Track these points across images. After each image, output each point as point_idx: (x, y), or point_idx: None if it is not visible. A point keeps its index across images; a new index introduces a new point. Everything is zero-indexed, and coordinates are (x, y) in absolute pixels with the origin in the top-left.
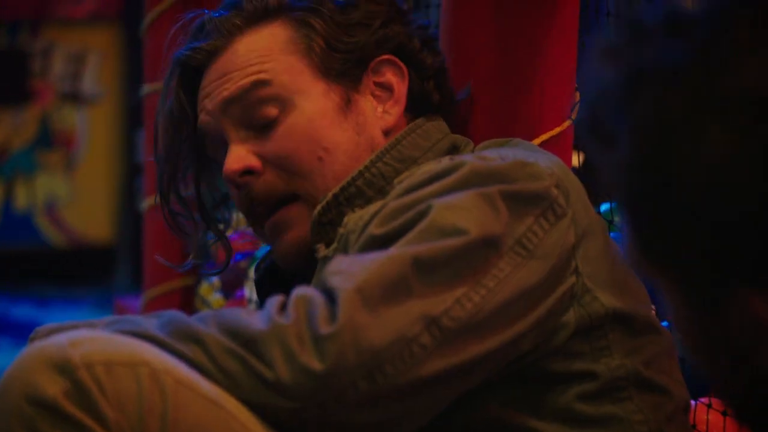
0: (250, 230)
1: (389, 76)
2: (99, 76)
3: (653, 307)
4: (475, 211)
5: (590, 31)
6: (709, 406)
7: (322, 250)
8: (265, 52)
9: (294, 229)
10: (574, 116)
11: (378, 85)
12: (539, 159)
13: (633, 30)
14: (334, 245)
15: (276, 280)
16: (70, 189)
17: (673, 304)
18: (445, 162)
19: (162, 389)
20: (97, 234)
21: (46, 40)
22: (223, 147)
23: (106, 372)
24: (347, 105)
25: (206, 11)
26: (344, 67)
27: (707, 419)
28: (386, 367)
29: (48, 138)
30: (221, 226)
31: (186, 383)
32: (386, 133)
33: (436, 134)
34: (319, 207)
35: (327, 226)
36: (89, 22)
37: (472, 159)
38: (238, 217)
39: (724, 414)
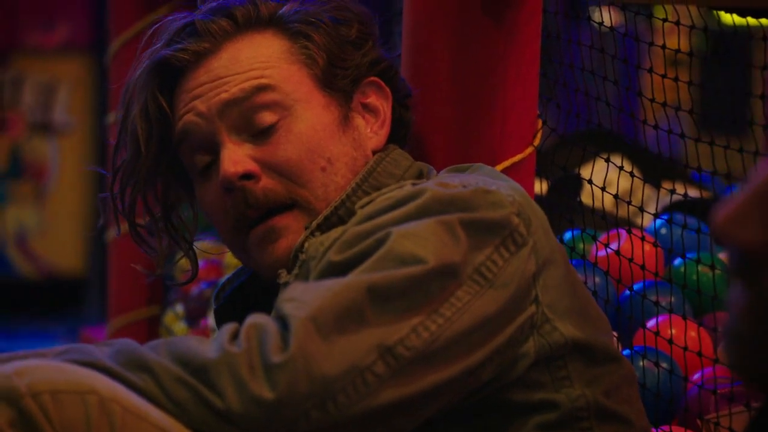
0: (214, 258)
1: (373, 98)
2: (70, 106)
3: (614, 333)
4: (434, 240)
5: (552, 58)
6: None
7: (283, 276)
8: (265, 58)
9: (288, 237)
10: (536, 143)
11: (364, 106)
12: (501, 186)
13: None
14: (296, 271)
15: (238, 309)
16: (40, 220)
17: None
18: (407, 188)
19: (110, 417)
20: (67, 265)
21: (16, 70)
22: (207, 151)
23: (52, 400)
24: (345, 120)
25: (189, 14)
26: (342, 83)
27: None
28: (339, 397)
29: (18, 169)
30: (186, 235)
31: (135, 411)
32: (375, 153)
33: (405, 162)
34: (302, 237)
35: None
36: (60, 52)
37: (433, 186)
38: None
39: None
